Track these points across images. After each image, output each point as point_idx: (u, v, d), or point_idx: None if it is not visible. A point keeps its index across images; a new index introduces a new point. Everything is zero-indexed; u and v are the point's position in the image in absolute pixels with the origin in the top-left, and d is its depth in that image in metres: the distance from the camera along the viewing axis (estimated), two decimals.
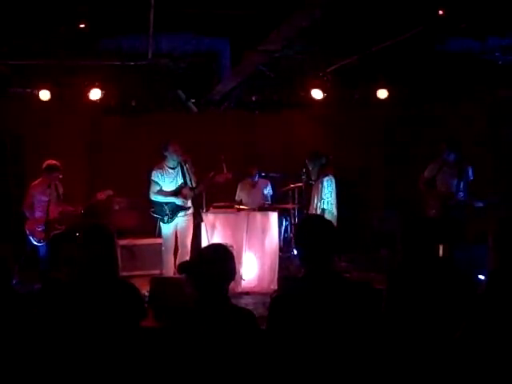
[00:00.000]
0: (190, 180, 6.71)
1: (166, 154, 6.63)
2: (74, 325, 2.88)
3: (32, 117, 8.09)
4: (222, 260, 2.76)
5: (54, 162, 6.61)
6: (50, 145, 7.94)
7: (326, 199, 7.07)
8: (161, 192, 6.68)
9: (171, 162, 6.67)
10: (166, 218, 6.69)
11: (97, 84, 7.42)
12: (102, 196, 6.75)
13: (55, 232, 6.62)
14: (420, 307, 2.95)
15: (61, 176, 6.65)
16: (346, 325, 2.56)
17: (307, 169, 7.08)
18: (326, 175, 7.06)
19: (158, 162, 6.75)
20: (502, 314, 2.56)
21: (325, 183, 7.01)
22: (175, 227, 6.77)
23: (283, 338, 2.57)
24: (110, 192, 6.79)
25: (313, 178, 6.94)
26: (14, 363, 2.81)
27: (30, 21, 5.82)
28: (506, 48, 7.15)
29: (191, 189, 6.70)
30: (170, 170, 6.70)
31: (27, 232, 6.64)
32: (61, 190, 6.79)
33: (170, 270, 6.76)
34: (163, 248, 6.87)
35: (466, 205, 6.94)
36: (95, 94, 7.49)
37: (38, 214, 6.56)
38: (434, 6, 5.53)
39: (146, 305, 4.99)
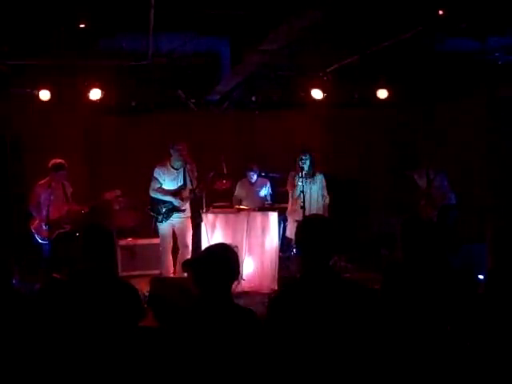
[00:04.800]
0: (191, 181, 6.72)
1: (172, 151, 6.66)
2: (73, 324, 2.88)
3: (32, 117, 8.08)
4: (227, 259, 2.77)
5: (59, 160, 6.60)
6: (49, 145, 7.93)
7: (327, 195, 7.13)
8: (160, 190, 6.70)
9: (175, 161, 6.68)
10: (160, 217, 6.71)
11: (97, 84, 7.42)
12: (109, 196, 6.74)
13: (60, 231, 6.62)
14: (418, 305, 2.95)
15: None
16: (343, 324, 2.56)
17: (300, 166, 6.99)
18: (318, 172, 7.12)
19: (162, 160, 6.77)
20: (500, 312, 2.57)
21: (321, 179, 7.11)
22: (172, 227, 6.78)
23: (281, 338, 2.57)
24: (118, 192, 6.77)
25: (305, 175, 6.89)
26: (13, 363, 2.81)
27: (30, 21, 5.82)
28: (506, 48, 7.15)
29: (191, 191, 6.70)
30: (173, 170, 6.72)
31: (33, 230, 6.64)
32: (69, 190, 6.78)
33: (169, 270, 6.77)
34: (161, 248, 6.88)
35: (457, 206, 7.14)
36: (95, 94, 7.48)
37: (44, 212, 6.54)
38: (434, 5, 5.52)
39: (146, 305, 5.00)
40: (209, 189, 6.81)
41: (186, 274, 4.71)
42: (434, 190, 7.13)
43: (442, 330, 2.86)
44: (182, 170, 6.71)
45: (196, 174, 6.75)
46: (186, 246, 6.76)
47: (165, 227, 6.77)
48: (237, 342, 2.62)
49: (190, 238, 6.84)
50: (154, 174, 6.73)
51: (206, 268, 2.73)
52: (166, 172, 6.71)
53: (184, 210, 6.76)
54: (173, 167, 6.71)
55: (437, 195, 7.13)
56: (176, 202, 6.69)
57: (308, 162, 6.93)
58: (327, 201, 7.17)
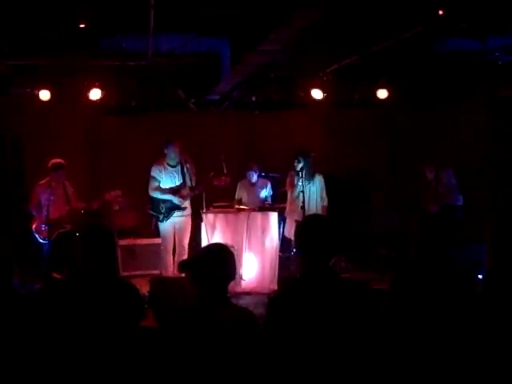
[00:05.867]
0: (190, 180, 6.73)
1: (166, 151, 6.67)
2: (74, 324, 2.88)
3: (32, 117, 8.09)
4: (223, 259, 2.77)
5: (58, 160, 6.61)
6: (49, 145, 7.93)
7: (325, 197, 7.14)
8: (159, 188, 6.70)
9: (171, 160, 6.70)
10: (161, 217, 6.71)
11: (97, 84, 7.42)
12: (109, 196, 6.73)
13: (60, 231, 6.63)
14: (422, 306, 2.95)
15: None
16: (343, 325, 2.56)
17: (301, 167, 6.99)
18: (318, 173, 7.12)
19: (158, 159, 6.78)
20: (499, 311, 2.57)
21: (320, 180, 7.10)
22: (173, 227, 6.78)
23: (280, 339, 2.57)
24: (119, 192, 6.77)
25: (305, 176, 6.89)
26: (13, 363, 2.81)
27: (31, 21, 5.82)
28: (506, 48, 7.15)
29: (190, 189, 6.73)
30: (170, 168, 6.73)
31: (33, 230, 6.64)
32: (70, 190, 6.78)
33: (169, 269, 6.78)
34: (162, 248, 6.88)
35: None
36: (95, 94, 7.48)
37: (44, 212, 6.54)
38: (434, 5, 5.52)
39: (146, 305, 4.99)
40: (210, 185, 6.80)
41: (184, 274, 4.71)
42: (441, 186, 7.10)
43: (445, 330, 2.86)
44: (178, 167, 6.73)
45: (194, 170, 6.76)
46: (183, 247, 6.76)
47: (166, 226, 6.78)
48: (234, 342, 2.62)
49: (188, 238, 6.84)
50: (152, 173, 6.73)
51: (203, 268, 2.73)
52: (163, 170, 6.73)
53: (185, 208, 6.76)
54: (169, 165, 6.72)
55: (443, 192, 7.11)
56: (176, 200, 6.69)
57: (301, 166, 6.89)
58: (326, 202, 7.18)
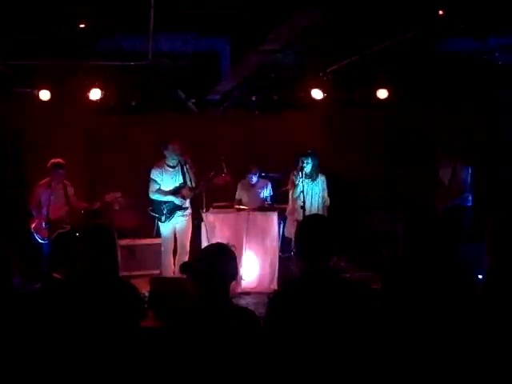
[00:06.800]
0: (190, 180, 6.73)
1: (166, 152, 6.66)
2: (74, 324, 2.88)
3: (32, 117, 8.09)
4: (224, 259, 2.76)
5: (58, 160, 6.61)
6: (50, 145, 7.94)
7: (327, 197, 7.14)
8: (159, 191, 6.70)
9: (171, 160, 6.69)
10: (163, 218, 6.71)
11: (97, 84, 7.42)
12: (109, 198, 6.72)
13: (60, 231, 6.63)
14: (418, 306, 2.95)
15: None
16: (343, 324, 2.56)
17: (300, 166, 6.99)
18: (321, 173, 7.14)
19: (158, 161, 6.77)
20: (498, 314, 2.57)
21: (323, 181, 7.11)
22: (174, 228, 6.78)
23: (281, 338, 2.57)
24: (119, 194, 6.76)
25: (305, 176, 6.89)
26: (13, 363, 2.81)
27: (31, 21, 5.82)
28: (506, 48, 7.15)
29: (191, 189, 6.73)
30: (170, 169, 6.71)
31: (33, 230, 6.64)
32: (70, 190, 6.78)
33: (169, 270, 6.77)
34: (162, 249, 6.88)
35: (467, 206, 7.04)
36: (95, 94, 7.49)
37: (44, 212, 6.54)
38: (434, 5, 5.52)
39: (146, 305, 4.99)
40: (210, 185, 6.80)
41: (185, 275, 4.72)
42: (455, 183, 7.03)
43: (442, 331, 2.85)
44: (179, 168, 6.72)
45: (194, 170, 6.76)
46: (184, 246, 6.76)
47: (167, 228, 6.77)
48: (235, 342, 2.62)
49: (189, 238, 6.84)
50: (152, 176, 6.71)
51: (204, 269, 2.73)
52: (163, 172, 6.71)
53: (186, 208, 6.76)
54: (169, 166, 6.71)
55: (454, 188, 7.02)
56: (177, 200, 6.69)
57: (310, 166, 6.92)
58: (327, 203, 7.18)
